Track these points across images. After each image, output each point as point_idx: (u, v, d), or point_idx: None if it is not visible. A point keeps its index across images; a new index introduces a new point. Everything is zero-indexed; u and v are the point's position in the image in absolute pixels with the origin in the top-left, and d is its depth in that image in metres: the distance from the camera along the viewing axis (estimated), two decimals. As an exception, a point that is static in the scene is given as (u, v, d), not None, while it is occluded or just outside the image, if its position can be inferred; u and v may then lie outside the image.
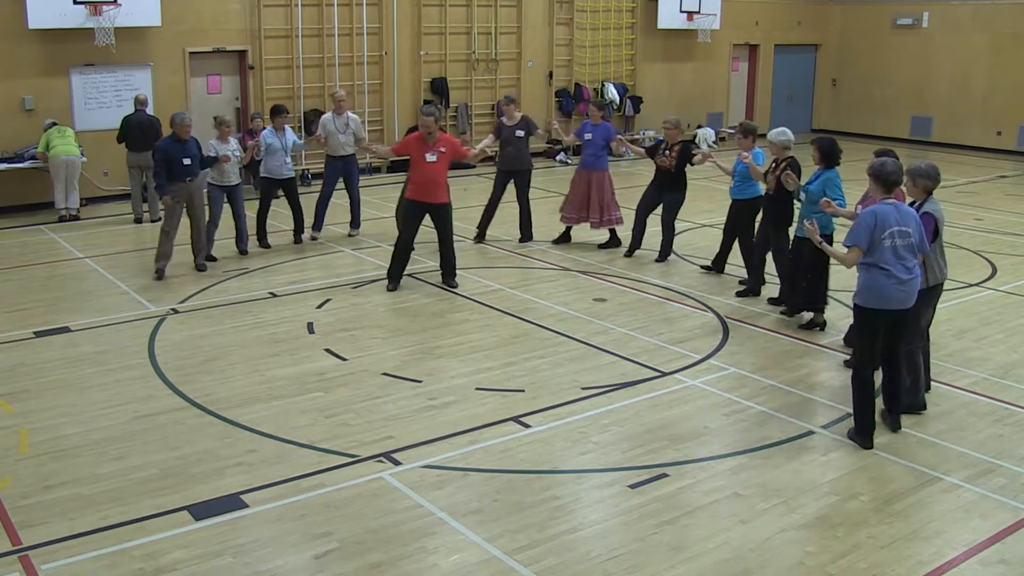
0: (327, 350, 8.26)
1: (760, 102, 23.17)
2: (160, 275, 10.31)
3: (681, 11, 20.32)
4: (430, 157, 9.81)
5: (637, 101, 20.40)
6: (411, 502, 5.68)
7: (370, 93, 17.01)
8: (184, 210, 10.43)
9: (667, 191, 11.16)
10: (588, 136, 11.79)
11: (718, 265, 10.74)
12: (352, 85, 16.78)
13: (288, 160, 11.73)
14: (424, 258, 11.35)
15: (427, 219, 10.17)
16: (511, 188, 12.04)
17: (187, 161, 10.30)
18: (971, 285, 10.44)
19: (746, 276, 10.18)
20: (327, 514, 5.54)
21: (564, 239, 12.21)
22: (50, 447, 6.35)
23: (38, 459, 6.18)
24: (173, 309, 9.38)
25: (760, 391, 7.44)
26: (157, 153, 10.31)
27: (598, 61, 19.98)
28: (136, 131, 12.89)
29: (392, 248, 10.22)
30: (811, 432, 6.72)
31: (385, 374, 7.72)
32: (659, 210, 11.30)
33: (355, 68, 16.83)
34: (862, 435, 6.49)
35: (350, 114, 12.30)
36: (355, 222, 12.49)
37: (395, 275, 10.13)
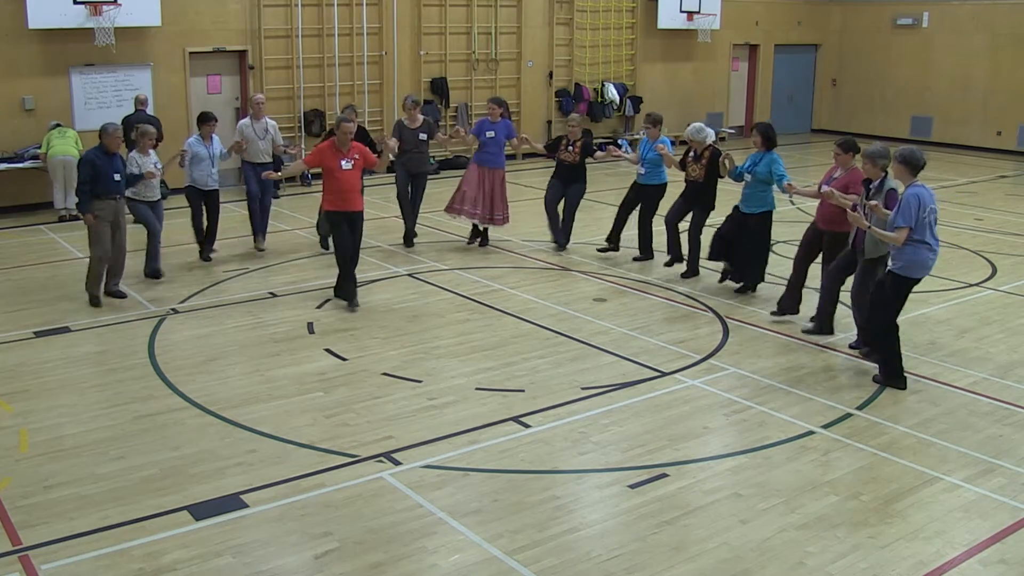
0: (327, 350, 8.26)
1: (760, 102, 23.15)
2: (96, 302, 9.45)
3: (681, 11, 20.32)
4: (346, 165, 9.40)
5: (637, 101, 20.40)
6: (411, 502, 5.68)
7: (370, 93, 17.01)
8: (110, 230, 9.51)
9: (571, 183, 11.65)
10: (490, 134, 11.70)
11: (614, 242, 11.52)
12: (352, 85, 16.79)
13: (214, 171, 10.96)
14: (425, 258, 11.36)
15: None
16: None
17: (117, 176, 9.39)
18: (971, 285, 10.44)
19: (639, 252, 11.38)
20: (327, 514, 5.54)
21: (475, 236, 12.08)
22: (50, 447, 6.35)
23: (38, 459, 6.18)
24: (173, 309, 9.38)
25: (760, 391, 7.44)
26: (84, 165, 9.32)
27: (598, 61, 19.98)
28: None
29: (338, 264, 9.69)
30: (811, 432, 6.72)
31: (385, 374, 7.72)
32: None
33: (355, 68, 16.83)
34: (899, 378, 7.50)
35: (268, 120, 11.70)
36: (261, 233, 11.72)
37: (350, 292, 9.52)
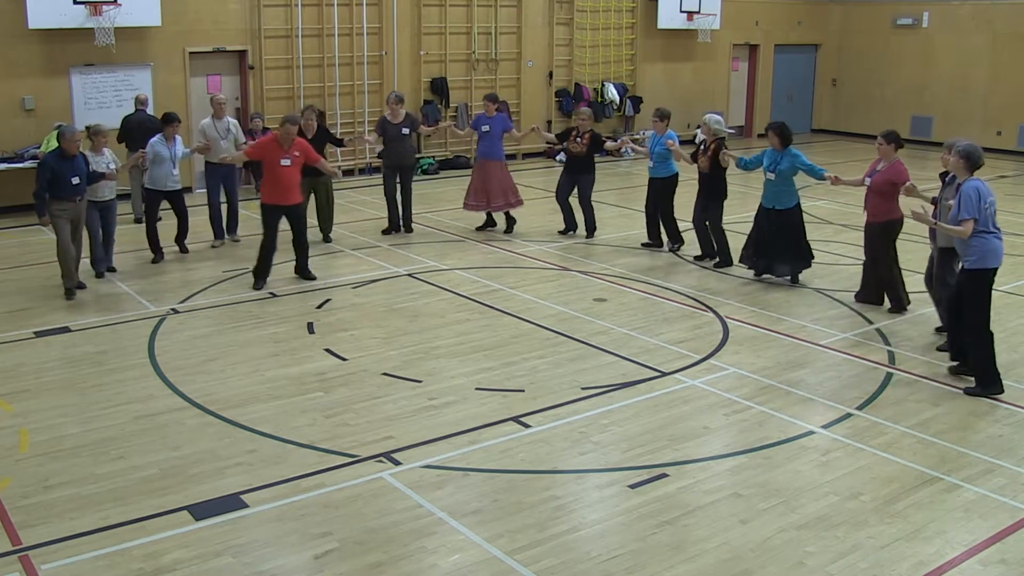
0: (327, 350, 8.26)
1: (760, 102, 23.16)
2: (71, 295, 9.62)
3: (681, 11, 20.32)
4: (284, 162, 9.86)
5: (637, 101, 20.40)
6: (411, 502, 5.68)
7: (370, 93, 17.00)
8: (71, 229, 9.61)
9: (579, 174, 12.21)
10: (486, 128, 12.29)
11: (656, 239, 11.90)
12: (352, 85, 16.79)
13: (175, 172, 10.93)
14: (425, 258, 11.36)
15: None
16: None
17: (75, 180, 9.44)
18: (971, 285, 10.42)
19: (669, 242, 11.81)
20: (327, 514, 5.54)
21: (489, 224, 12.78)
22: (50, 447, 6.35)
23: (38, 459, 6.18)
24: (173, 309, 9.38)
25: (760, 391, 7.44)
26: (42, 169, 9.41)
27: (598, 61, 19.98)
28: (136, 131, 12.85)
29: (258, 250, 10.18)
30: (811, 432, 6.72)
31: (385, 374, 7.72)
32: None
33: (355, 68, 16.82)
34: (996, 383, 7.43)
35: (230, 119, 11.91)
36: (232, 228, 12.07)
37: (262, 274, 10.09)
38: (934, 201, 8.30)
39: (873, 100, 22.97)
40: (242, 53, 15.77)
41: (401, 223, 12.54)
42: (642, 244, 11.97)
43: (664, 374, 7.77)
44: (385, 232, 12.49)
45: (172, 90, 14.93)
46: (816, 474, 6.10)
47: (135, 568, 4.97)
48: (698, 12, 20.52)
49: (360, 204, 14.53)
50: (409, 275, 10.62)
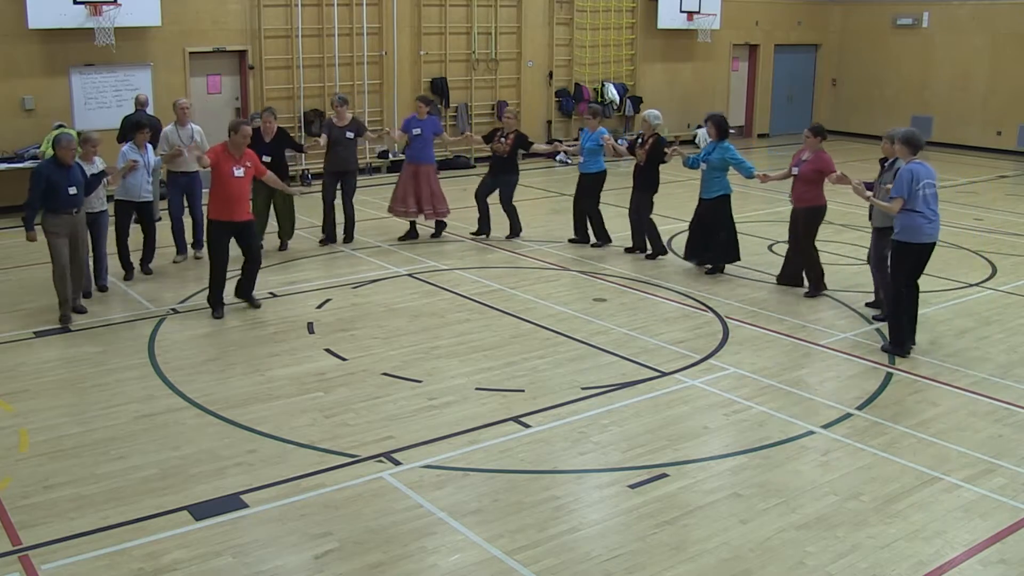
0: (327, 350, 8.26)
1: (760, 102, 23.17)
2: (66, 320, 8.79)
3: (681, 11, 20.33)
4: (237, 172, 8.97)
5: (637, 101, 20.40)
6: (411, 502, 5.68)
7: (370, 93, 17.01)
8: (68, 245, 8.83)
9: (501, 174, 12.10)
10: (417, 131, 11.96)
11: (582, 235, 12.06)
12: (352, 85, 16.79)
13: (147, 182, 10.28)
14: (424, 257, 11.36)
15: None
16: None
17: (72, 190, 8.72)
18: (971, 285, 10.44)
19: (595, 239, 11.97)
20: (327, 514, 5.54)
21: (411, 235, 12.25)
22: (50, 447, 6.35)
23: (38, 459, 6.18)
24: (173, 309, 9.38)
25: (760, 391, 7.44)
26: (35, 179, 8.71)
27: (598, 61, 19.99)
28: (136, 131, 12.84)
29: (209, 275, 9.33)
30: (811, 432, 6.72)
31: (385, 374, 7.72)
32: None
33: (355, 68, 16.83)
34: (899, 346, 8.16)
35: (194, 126, 11.06)
36: (198, 243, 11.12)
37: (218, 302, 9.20)
38: (868, 186, 8.82)
39: (873, 100, 22.98)
40: (242, 53, 15.78)
41: (343, 233, 11.98)
42: (568, 240, 12.09)
43: (664, 374, 7.77)
44: (322, 242, 11.87)
45: (172, 90, 14.91)
46: (816, 474, 6.10)
47: (135, 568, 4.97)
48: (698, 12, 20.53)
49: (359, 204, 14.51)
50: (409, 275, 10.62)
